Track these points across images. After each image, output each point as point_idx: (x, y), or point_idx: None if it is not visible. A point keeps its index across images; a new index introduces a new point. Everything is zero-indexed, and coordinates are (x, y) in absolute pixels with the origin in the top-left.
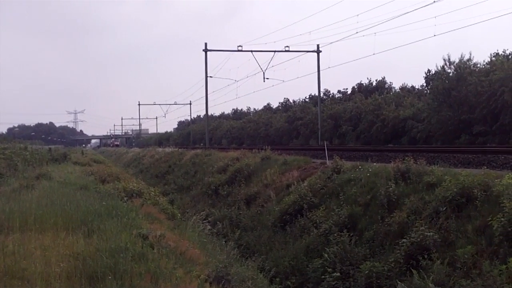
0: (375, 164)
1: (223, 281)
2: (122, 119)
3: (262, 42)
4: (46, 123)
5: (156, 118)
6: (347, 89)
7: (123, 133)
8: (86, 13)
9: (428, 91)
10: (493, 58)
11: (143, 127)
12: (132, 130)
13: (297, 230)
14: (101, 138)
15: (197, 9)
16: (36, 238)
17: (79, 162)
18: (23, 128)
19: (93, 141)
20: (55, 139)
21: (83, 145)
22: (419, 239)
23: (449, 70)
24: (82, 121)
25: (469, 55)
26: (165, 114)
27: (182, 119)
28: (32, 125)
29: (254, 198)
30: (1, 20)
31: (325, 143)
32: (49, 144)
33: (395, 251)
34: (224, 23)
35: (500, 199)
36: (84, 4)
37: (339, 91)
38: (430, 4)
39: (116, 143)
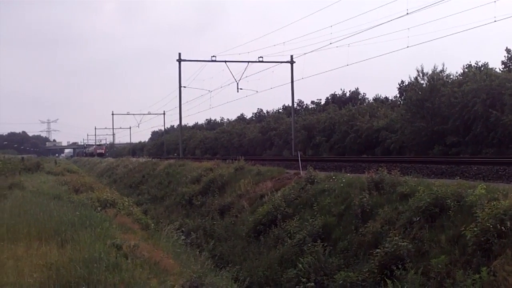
0: (349, 174)
1: None
2: (95, 128)
3: (236, 52)
4: (19, 133)
5: (130, 128)
6: (320, 99)
7: (95, 143)
8: (60, 25)
9: (402, 102)
10: (466, 70)
11: (116, 137)
12: (106, 139)
13: (271, 240)
14: (75, 147)
15: (172, 22)
16: (9, 248)
17: (52, 172)
18: None
19: (66, 150)
20: (28, 148)
21: (56, 155)
22: (393, 249)
23: (422, 81)
24: (55, 131)
25: (442, 66)
26: (138, 124)
27: (156, 129)
28: (4, 134)
29: (228, 209)
30: None
31: (299, 154)
32: (22, 154)
33: (369, 261)
34: (199, 35)
35: (473, 209)
36: (58, 16)
37: (312, 102)
38: (403, 16)
39: (99, 150)
